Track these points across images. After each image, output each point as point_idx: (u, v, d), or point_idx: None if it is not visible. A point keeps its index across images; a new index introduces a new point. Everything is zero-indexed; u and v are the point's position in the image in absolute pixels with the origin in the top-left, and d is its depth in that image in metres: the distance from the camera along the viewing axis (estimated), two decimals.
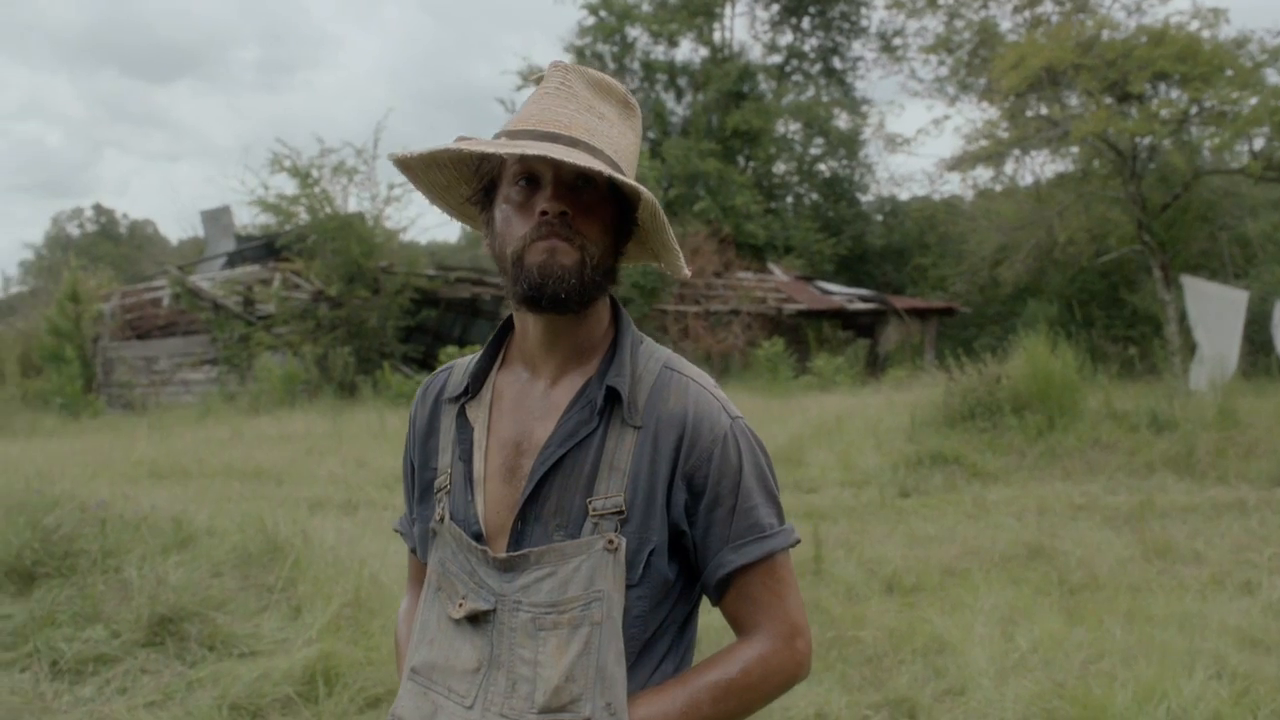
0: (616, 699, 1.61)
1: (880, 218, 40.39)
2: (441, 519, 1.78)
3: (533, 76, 1.76)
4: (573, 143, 1.61)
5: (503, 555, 1.67)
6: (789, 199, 40.36)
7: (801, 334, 27.32)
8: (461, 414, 1.81)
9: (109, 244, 63.15)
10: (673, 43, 38.01)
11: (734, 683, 1.65)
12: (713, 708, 1.64)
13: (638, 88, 37.67)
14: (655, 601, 1.68)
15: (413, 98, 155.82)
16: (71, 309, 23.97)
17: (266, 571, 6.95)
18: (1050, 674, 5.00)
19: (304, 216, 23.66)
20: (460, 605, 1.70)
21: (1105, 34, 22.70)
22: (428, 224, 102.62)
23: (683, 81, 38.37)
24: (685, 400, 1.69)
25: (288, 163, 23.51)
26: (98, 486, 10.67)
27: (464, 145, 1.60)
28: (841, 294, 30.66)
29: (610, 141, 1.67)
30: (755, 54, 40.79)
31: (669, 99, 38.52)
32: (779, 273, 31.65)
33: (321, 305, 22.94)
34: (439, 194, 1.81)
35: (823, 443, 13.34)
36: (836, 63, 41.48)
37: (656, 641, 1.70)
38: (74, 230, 72.24)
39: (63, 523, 7.22)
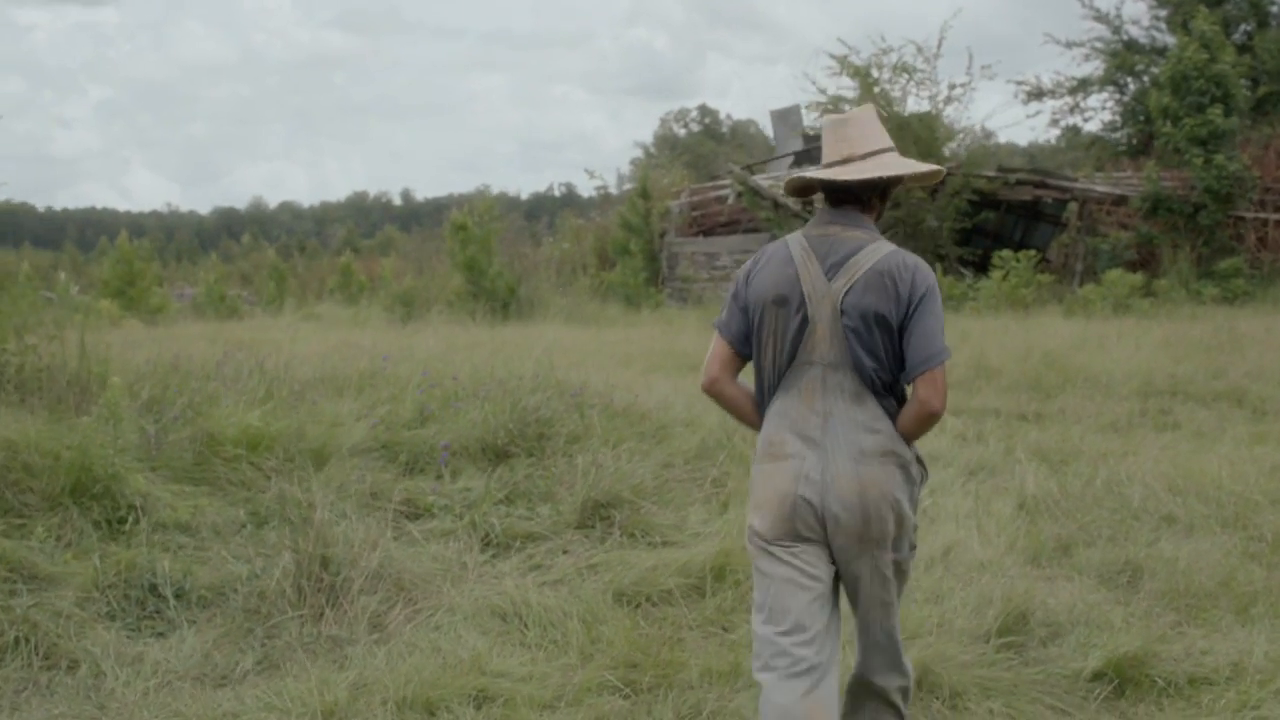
0: None
1: None
2: None
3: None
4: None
5: None
6: None
7: None
8: None
9: (711, 143, 67.02)
10: None
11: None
12: None
13: None
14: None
15: None
16: (641, 205, 26.17)
17: (714, 465, 7.23)
18: None
19: None
20: None
21: None
22: (1003, 122, 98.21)
23: None
24: None
25: (845, 62, 23.89)
26: (611, 374, 11.61)
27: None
28: None
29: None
30: None
31: None
32: None
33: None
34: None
35: None
36: None
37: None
38: (679, 130, 77.58)
39: (542, 406, 7.95)
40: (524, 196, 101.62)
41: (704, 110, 79.35)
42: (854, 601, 3.43)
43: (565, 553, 5.91)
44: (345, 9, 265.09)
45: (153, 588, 5.15)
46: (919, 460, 3.40)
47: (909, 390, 3.35)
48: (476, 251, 22.12)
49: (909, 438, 3.32)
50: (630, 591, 5.26)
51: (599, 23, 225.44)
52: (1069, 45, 28.91)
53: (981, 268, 22.35)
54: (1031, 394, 10.91)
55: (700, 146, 63.39)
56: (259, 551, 5.54)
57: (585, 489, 6.45)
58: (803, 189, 3.62)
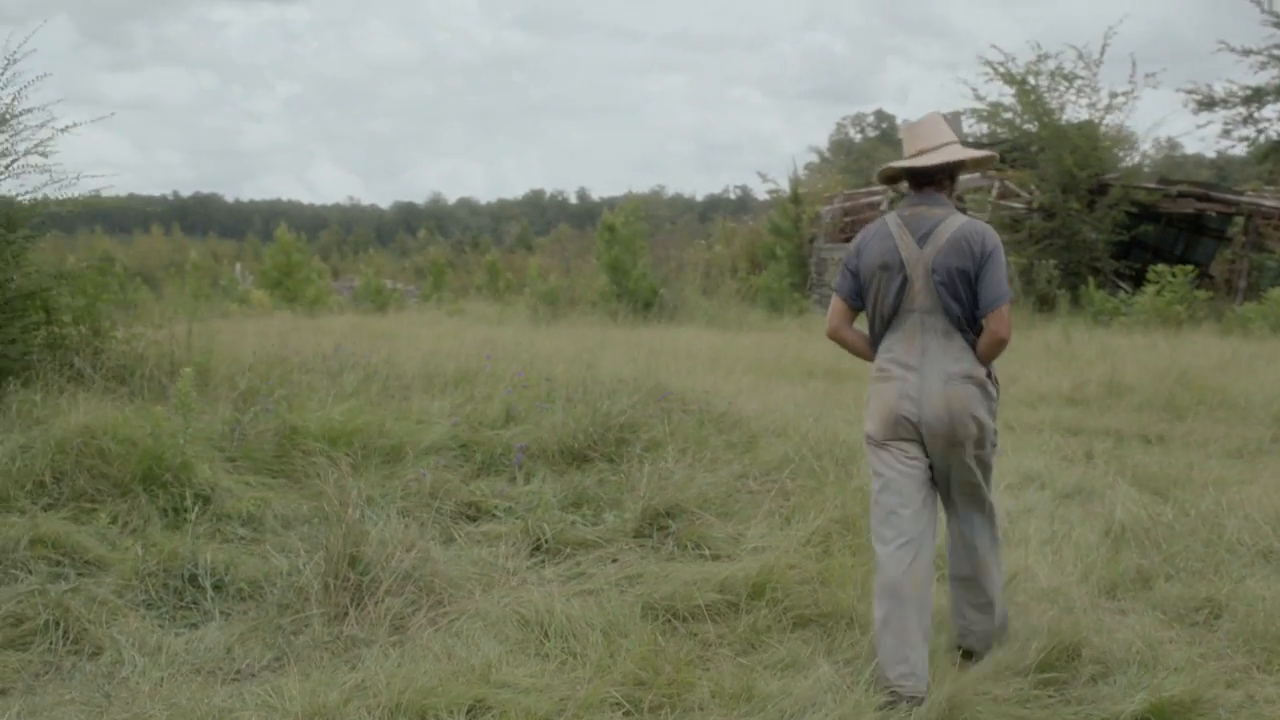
0: None
1: None
2: None
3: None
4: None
5: None
6: None
7: None
8: None
9: (887, 149, 66.02)
10: None
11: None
12: None
13: None
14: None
15: None
16: (792, 210, 25.85)
17: (790, 478, 7.02)
18: None
19: (1027, 125, 23.41)
20: None
21: None
22: (1169, 132, 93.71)
23: None
24: None
25: (1001, 69, 23.38)
26: (729, 380, 11.48)
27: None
28: None
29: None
30: None
31: None
32: None
33: (1034, 216, 22.45)
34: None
35: None
36: None
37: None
38: (855, 135, 76.74)
39: (627, 410, 7.85)
40: (699, 198, 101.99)
41: (880, 115, 78.35)
42: (944, 489, 4.59)
43: (614, 561, 5.80)
44: (527, 9, 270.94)
45: (192, 578, 5.24)
46: (993, 378, 4.48)
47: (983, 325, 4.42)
48: (621, 252, 22.14)
49: (985, 361, 4.41)
50: (661, 605, 5.10)
51: (778, 26, 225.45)
52: (1245, 53, 27.23)
53: (1139, 282, 21.45)
54: (1161, 414, 10.35)
55: (876, 152, 62.49)
56: (307, 547, 5.57)
57: (647, 497, 6.34)
58: (892, 177, 4.77)
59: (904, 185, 4.72)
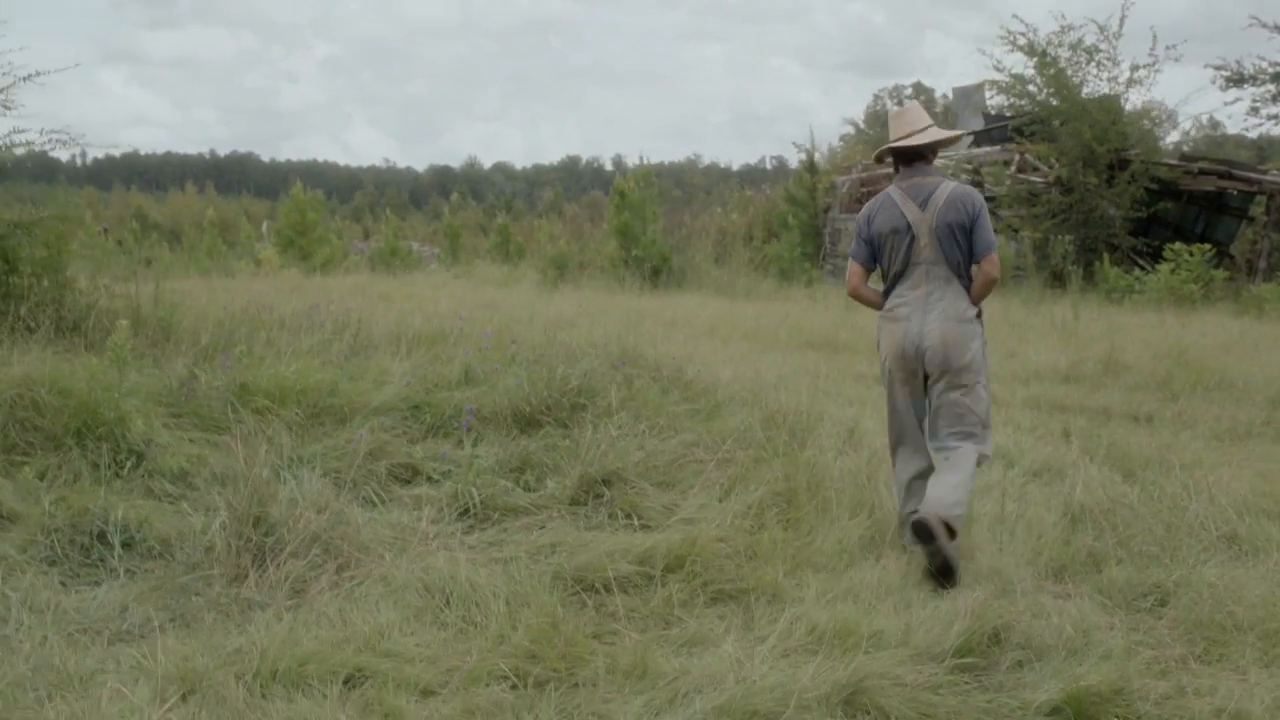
0: None
1: None
2: None
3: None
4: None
5: None
6: None
7: None
8: None
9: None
10: None
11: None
12: None
13: None
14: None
15: None
16: (808, 179, 25.47)
17: (739, 447, 6.80)
18: None
19: (1051, 100, 22.95)
20: None
21: None
22: (1198, 109, 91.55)
23: None
24: None
25: (1021, 40, 22.89)
26: (719, 348, 11.27)
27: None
28: None
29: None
30: None
31: None
32: None
33: (1052, 190, 22.01)
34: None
35: None
36: None
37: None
38: (893, 107, 75.84)
39: (586, 374, 7.65)
40: (735, 167, 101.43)
41: (919, 88, 77.36)
42: (934, 405, 5.49)
43: (542, 529, 5.62)
44: None
45: (101, 535, 5.10)
46: (979, 317, 5.48)
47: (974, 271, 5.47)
48: (631, 217, 21.87)
49: (979, 299, 5.45)
50: (573, 576, 4.91)
51: None
52: (1277, 28, 26.28)
53: (1157, 259, 21.00)
54: (1155, 394, 10.05)
55: None
56: (227, 506, 5.40)
57: (583, 464, 6.15)
58: (883, 155, 5.82)
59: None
